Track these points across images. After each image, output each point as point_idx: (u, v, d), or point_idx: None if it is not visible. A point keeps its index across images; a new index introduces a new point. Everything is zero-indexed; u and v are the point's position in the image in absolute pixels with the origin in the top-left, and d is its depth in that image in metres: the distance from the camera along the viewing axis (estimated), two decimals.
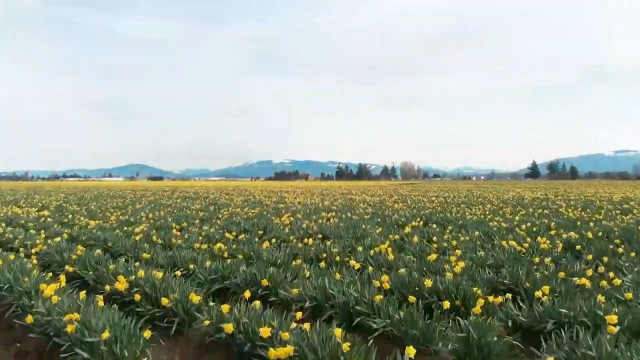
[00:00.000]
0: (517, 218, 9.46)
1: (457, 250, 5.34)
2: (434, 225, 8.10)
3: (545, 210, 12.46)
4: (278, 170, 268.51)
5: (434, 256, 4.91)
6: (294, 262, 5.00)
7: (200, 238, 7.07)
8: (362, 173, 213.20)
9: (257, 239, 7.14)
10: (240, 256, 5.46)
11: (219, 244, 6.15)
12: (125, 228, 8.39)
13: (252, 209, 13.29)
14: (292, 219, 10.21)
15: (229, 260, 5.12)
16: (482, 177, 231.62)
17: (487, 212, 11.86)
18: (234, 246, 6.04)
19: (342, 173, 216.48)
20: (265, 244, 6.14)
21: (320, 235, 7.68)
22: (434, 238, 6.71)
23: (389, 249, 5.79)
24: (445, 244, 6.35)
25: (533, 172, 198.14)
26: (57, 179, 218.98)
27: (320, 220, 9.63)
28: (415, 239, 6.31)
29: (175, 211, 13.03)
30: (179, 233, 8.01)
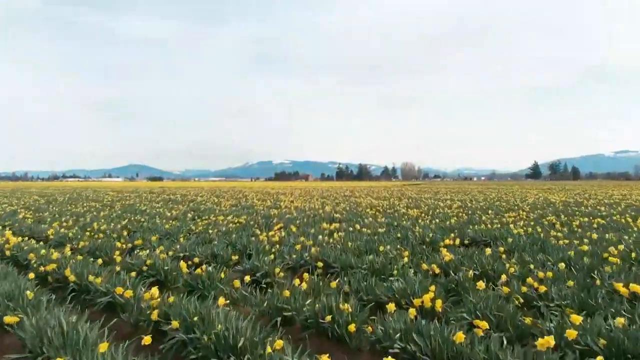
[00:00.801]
0: (594, 235, 6.99)
1: (574, 316, 2.86)
2: (488, 250, 5.62)
3: (600, 220, 10.00)
4: (278, 171, 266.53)
5: (548, 340, 2.43)
6: (268, 349, 2.55)
7: (133, 277, 4.58)
8: (363, 173, 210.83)
9: (223, 273, 4.68)
10: (176, 324, 3.01)
11: (151, 291, 3.70)
12: (42, 252, 5.92)
13: (238, 217, 10.84)
14: (283, 233, 7.76)
15: (146, 339, 2.67)
16: (483, 178, 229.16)
17: (532, 223, 9.40)
18: (173, 298, 3.57)
19: (343, 173, 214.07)
20: (223, 300, 3.62)
21: (320, 264, 5.23)
22: (502, 275, 4.24)
23: (438, 303, 3.36)
24: (524, 288, 3.90)
25: (534, 172, 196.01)
26: (56, 179, 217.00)
27: (320, 237, 7.17)
28: (479, 282, 3.82)
29: (143, 220, 10.59)
30: (119, 258, 5.58)
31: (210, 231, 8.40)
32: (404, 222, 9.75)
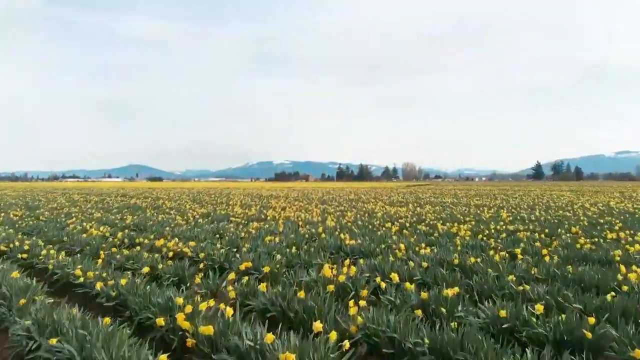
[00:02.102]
0: None
1: None
2: None
3: None
4: (278, 171, 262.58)
5: None
6: None
7: None
8: (363, 174, 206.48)
9: None
10: None
11: None
12: None
13: (185, 245, 6.61)
14: (230, 308, 3.51)
15: None
16: (484, 178, 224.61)
17: None
18: None
19: (343, 174, 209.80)
20: None
21: None
22: None
23: None
24: None
25: (537, 172, 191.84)
26: (56, 179, 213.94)
27: (318, 326, 2.92)
28: None
29: (26, 247, 6.41)
30: None
31: (99, 287, 4.20)
32: (469, 257, 5.47)
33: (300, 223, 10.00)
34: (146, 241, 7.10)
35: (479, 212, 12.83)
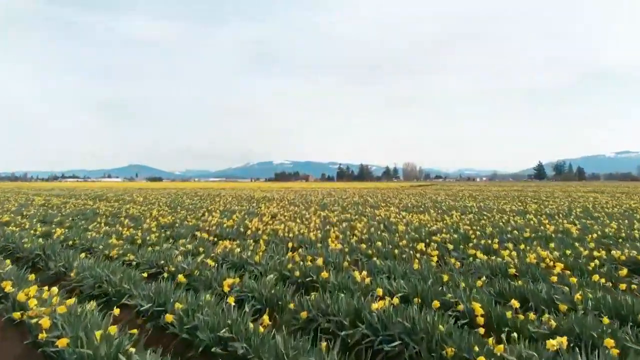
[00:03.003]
0: None
1: None
2: None
3: None
4: (278, 171, 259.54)
5: None
6: None
7: None
8: (364, 174, 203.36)
9: None
10: None
11: None
12: None
13: (48, 317, 3.48)
14: None
15: None
16: (484, 178, 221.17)
17: None
18: None
19: (343, 174, 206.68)
20: None
21: None
22: None
23: None
24: None
25: (539, 173, 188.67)
26: (56, 179, 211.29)
27: None
28: None
29: None
30: None
31: None
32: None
33: (292, 243, 6.86)
34: (10, 289, 3.95)
35: (531, 222, 9.68)
